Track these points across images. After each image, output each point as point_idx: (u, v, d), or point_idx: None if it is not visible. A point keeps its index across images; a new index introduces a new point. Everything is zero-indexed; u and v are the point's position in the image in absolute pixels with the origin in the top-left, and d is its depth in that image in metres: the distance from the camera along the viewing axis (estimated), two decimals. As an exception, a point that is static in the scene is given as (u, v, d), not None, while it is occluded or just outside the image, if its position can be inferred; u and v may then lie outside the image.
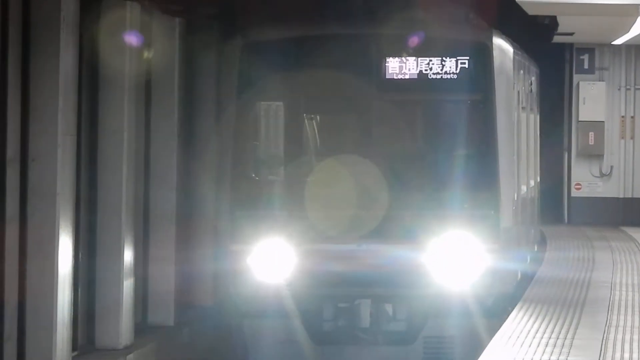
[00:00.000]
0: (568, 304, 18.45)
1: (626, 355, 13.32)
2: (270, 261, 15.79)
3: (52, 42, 16.08)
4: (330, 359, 16.01)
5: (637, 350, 13.92)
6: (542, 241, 27.30)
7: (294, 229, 15.88)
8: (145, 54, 19.32)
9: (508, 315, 15.31)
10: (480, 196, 16.02)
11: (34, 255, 15.39)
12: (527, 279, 19.86)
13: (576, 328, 15.91)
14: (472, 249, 15.53)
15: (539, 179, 27.23)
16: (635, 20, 23.48)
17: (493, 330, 14.20)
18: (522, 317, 15.11)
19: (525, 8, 22.88)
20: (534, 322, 14.95)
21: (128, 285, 16.99)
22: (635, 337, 15.29)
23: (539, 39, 27.91)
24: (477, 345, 14.11)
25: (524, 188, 20.38)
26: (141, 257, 18.90)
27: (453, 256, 15.51)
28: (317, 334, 15.80)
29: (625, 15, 22.40)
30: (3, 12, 15.40)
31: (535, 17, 25.83)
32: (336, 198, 16.21)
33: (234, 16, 20.16)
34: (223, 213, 16.81)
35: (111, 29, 17.44)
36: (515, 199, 17.64)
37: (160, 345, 18.05)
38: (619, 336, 15.37)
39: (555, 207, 31.96)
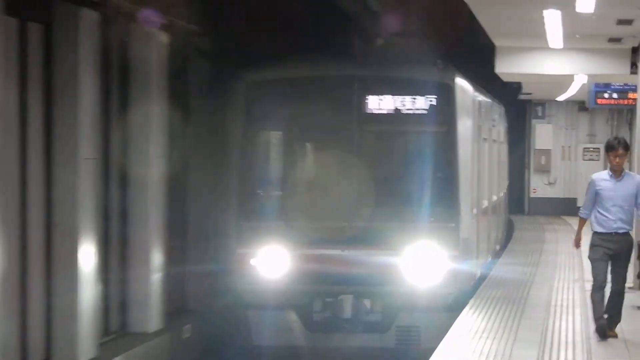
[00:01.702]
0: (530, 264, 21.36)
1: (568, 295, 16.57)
2: (270, 262, 14.83)
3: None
4: (320, 344, 15.06)
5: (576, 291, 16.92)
6: (511, 226, 30.52)
7: (290, 236, 14.95)
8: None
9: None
10: (443, 211, 15.08)
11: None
12: (486, 277, 18.61)
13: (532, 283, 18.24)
14: (436, 255, 14.62)
15: (505, 190, 27.42)
16: (570, 85, 28.06)
17: (453, 321, 13.65)
18: (478, 307, 14.99)
19: (501, 77, 25.39)
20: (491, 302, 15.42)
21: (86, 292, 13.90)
22: (575, 287, 17.71)
23: (510, 96, 31.14)
24: (439, 333, 12.96)
25: (484, 202, 19.19)
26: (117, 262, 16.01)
27: (420, 261, 14.57)
28: (308, 323, 14.95)
29: (564, 81, 27.04)
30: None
31: (509, 83, 28.38)
32: (325, 211, 15.39)
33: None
34: (229, 223, 15.52)
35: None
36: (475, 212, 16.55)
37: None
38: (563, 285, 18.12)
39: (520, 204, 35.90)
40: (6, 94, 12.10)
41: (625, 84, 26.68)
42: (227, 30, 17.72)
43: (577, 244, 13.00)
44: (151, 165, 15.95)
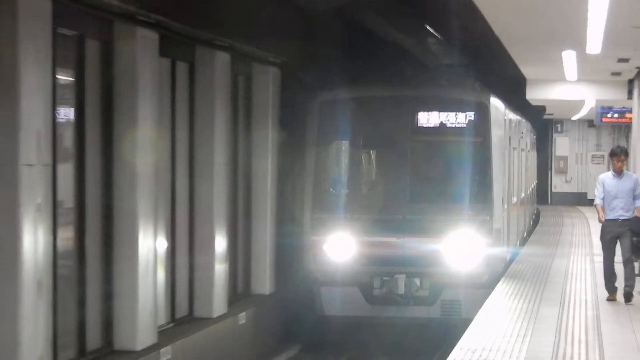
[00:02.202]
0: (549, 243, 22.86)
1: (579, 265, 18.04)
2: (339, 248, 15.50)
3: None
4: (378, 314, 15.60)
5: (587, 261, 18.55)
6: (538, 213, 33.24)
7: (355, 227, 15.49)
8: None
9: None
10: (479, 207, 15.53)
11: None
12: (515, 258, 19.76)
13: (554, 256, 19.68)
14: (473, 242, 15.17)
15: (532, 187, 30.07)
16: (582, 108, 31.91)
17: (488, 296, 14.25)
18: (509, 282, 15.63)
19: (531, 102, 28.01)
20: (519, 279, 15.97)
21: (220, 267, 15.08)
22: (587, 259, 19.10)
23: (538, 116, 33.87)
24: (477, 306, 13.62)
25: (514, 198, 19.85)
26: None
27: (460, 247, 15.18)
28: (369, 297, 15.45)
29: (577, 105, 30.91)
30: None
31: (536, 106, 30.81)
32: (383, 206, 15.81)
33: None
34: (305, 215, 16.31)
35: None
36: (505, 207, 17.08)
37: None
38: (577, 258, 19.56)
39: (545, 197, 39.65)
40: (160, 117, 12.94)
41: (624, 107, 29.11)
42: (319, 64, 17.98)
43: (601, 220, 13.79)
44: (267, 171, 16.75)
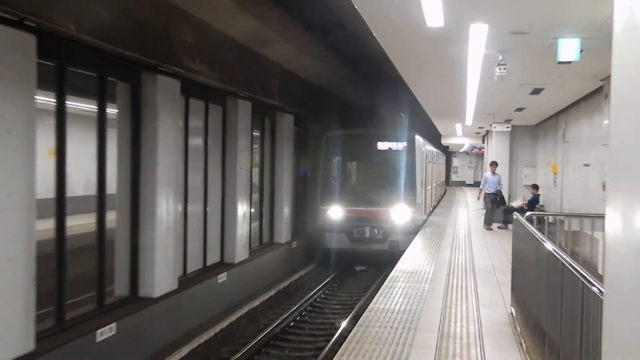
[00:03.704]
0: (447, 206, 26.54)
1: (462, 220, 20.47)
2: (336, 213, 17.83)
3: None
4: (356, 248, 17.57)
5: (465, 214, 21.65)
6: (445, 190, 39.79)
7: (344, 201, 17.84)
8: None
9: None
10: (409, 191, 17.59)
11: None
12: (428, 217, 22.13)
13: (451, 213, 22.72)
14: (405, 209, 17.42)
15: (442, 180, 36.63)
16: (464, 147, 43.31)
17: (413, 238, 16.22)
18: (425, 230, 17.90)
19: (443, 144, 36.89)
20: (430, 230, 17.99)
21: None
22: (465, 209, 23.39)
23: (446, 150, 44.92)
24: (408, 243, 15.18)
25: (429, 187, 21.85)
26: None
27: (399, 212, 17.42)
28: (351, 238, 17.57)
29: (461, 145, 40.86)
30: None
31: (445, 145, 39.95)
32: (359, 190, 18.15)
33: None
34: (318, 195, 18.56)
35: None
36: (424, 192, 19.20)
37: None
38: (460, 210, 23.54)
39: (448, 183, 51.92)
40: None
41: (481, 146, 39.37)
42: (321, 113, 19.59)
43: (479, 198, 18.71)
44: (286, 173, 17.80)
